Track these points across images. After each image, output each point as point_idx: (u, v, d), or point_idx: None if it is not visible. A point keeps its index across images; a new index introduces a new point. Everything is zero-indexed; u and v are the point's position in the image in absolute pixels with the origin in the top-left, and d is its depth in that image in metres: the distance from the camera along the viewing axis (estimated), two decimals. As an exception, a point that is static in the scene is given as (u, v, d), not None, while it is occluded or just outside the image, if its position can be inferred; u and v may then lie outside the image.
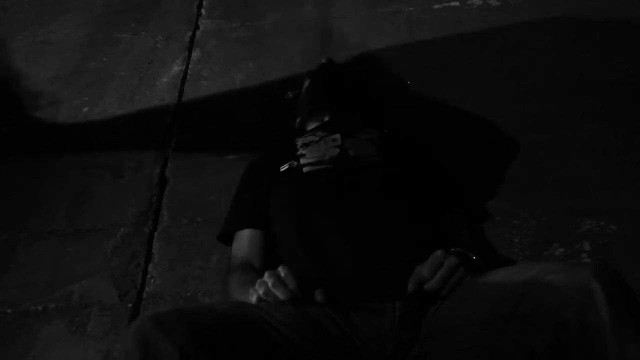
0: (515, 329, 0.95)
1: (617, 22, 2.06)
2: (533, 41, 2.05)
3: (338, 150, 1.39)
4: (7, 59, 2.36)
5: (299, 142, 1.46)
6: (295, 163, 1.38)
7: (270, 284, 1.08)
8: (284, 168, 1.40)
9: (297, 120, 1.67)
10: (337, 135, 1.44)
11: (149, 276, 1.53)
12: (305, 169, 1.36)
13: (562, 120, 1.77)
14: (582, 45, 2.00)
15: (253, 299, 1.10)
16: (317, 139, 1.45)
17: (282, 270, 1.09)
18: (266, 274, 1.10)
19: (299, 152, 1.41)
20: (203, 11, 2.45)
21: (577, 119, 1.77)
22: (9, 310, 1.48)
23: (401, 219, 1.28)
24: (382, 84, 1.94)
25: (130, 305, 1.46)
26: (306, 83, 1.72)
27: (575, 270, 0.94)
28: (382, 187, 1.32)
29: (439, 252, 1.12)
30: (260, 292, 1.09)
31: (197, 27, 2.37)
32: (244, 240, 1.38)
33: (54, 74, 2.23)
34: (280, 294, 1.07)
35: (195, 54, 2.23)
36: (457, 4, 2.24)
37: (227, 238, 1.45)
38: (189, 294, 1.47)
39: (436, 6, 2.24)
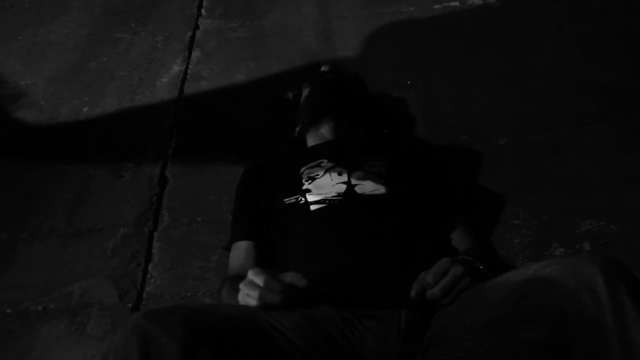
0: (515, 328, 0.95)
1: (618, 22, 2.06)
2: (533, 41, 2.05)
3: (345, 187, 1.37)
4: (7, 58, 2.36)
5: (304, 174, 1.42)
6: (302, 200, 1.36)
7: (259, 298, 1.06)
8: (289, 201, 1.37)
9: (297, 129, 1.66)
10: (344, 170, 1.41)
11: (149, 276, 1.53)
12: (312, 207, 1.33)
13: (562, 120, 1.77)
14: (583, 45, 2.00)
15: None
16: (322, 172, 1.42)
17: (260, 278, 1.07)
18: (242, 287, 1.08)
19: (304, 187, 1.39)
20: (203, 11, 2.45)
21: (577, 119, 1.77)
22: (9, 310, 1.48)
23: (408, 240, 1.27)
24: (382, 84, 1.94)
25: (130, 305, 1.46)
26: (305, 92, 1.70)
27: (571, 260, 0.94)
28: (389, 220, 1.30)
29: (444, 260, 1.12)
30: (253, 302, 1.07)
31: (197, 27, 2.37)
32: (240, 251, 1.37)
33: (54, 74, 2.23)
34: (273, 300, 1.06)
35: (195, 54, 2.23)
36: (457, 4, 2.24)
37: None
38: (189, 294, 1.47)
39: (436, 6, 2.24)
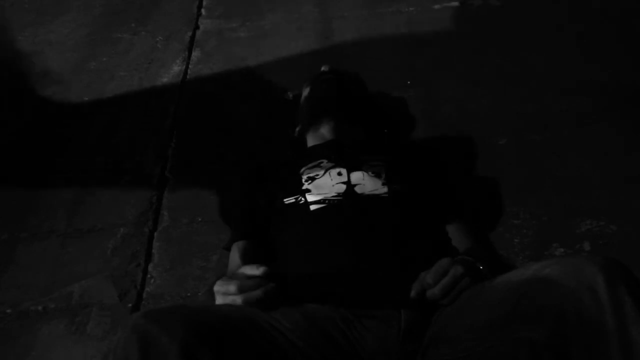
0: (515, 328, 0.95)
1: (618, 22, 2.06)
2: (533, 41, 2.05)
3: (345, 187, 1.37)
4: (7, 59, 2.36)
5: (304, 174, 1.42)
6: (302, 200, 1.36)
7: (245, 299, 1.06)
8: (288, 201, 1.37)
9: (297, 129, 1.66)
10: (344, 170, 1.41)
11: (149, 276, 1.53)
12: (312, 207, 1.33)
13: (562, 120, 1.77)
14: (583, 45, 2.00)
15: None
16: (322, 172, 1.42)
17: (232, 286, 1.07)
18: (222, 301, 1.08)
19: (304, 187, 1.39)
20: (203, 11, 2.45)
21: (577, 119, 1.77)
22: (9, 310, 1.48)
23: (408, 240, 1.27)
24: (382, 84, 1.94)
25: (130, 305, 1.46)
26: (305, 92, 1.69)
27: (571, 260, 0.94)
28: (389, 220, 1.30)
29: (445, 260, 1.12)
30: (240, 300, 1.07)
31: (197, 27, 2.37)
32: (240, 251, 1.37)
33: (54, 74, 2.23)
34: (258, 297, 1.06)
35: (195, 54, 2.23)
36: (457, 4, 2.24)
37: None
38: (189, 294, 1.47)
39: (436, 6, 2.24)
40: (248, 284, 1.07)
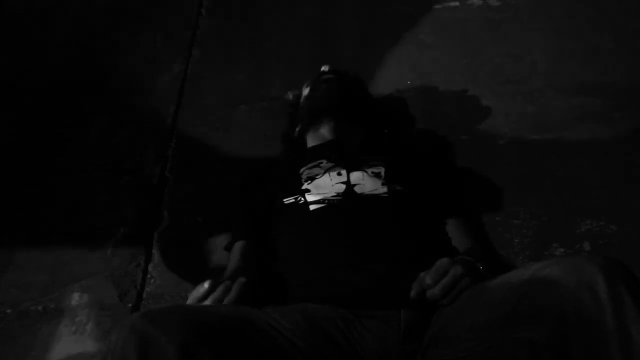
0: (515, 328, 0.95)
1: (618, 22, 2.06)
2: (533, 41, 2.05)
3: (344, 187, 1.37)
4: (11, 61, 2.36)
5: (304, 174, 1.43)
6: (302, 199, 1.36)
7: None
8: (288, 201, 1.38)
9: (297, 129, 1.66)
10: (343, 170, 1.41)
11: (149, 276, 1.53)
12: (311, 207, 1.34)
13: (562, 120, 1.77)
14: (583, 45, 2.00)
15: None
16: (321, 172, 1.42)
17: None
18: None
19: (303, 187, 1.39)
20: (203, 11, 2.45)
21: (577, 119, 1.77)
22: (9, 310, 1.48)
23: (408, 240, 1.27)
24: (382, 84, 1.94)
25: (130, 305, 1.46)
26: (305, 92, 1.70)
27: (571, 260, 0.94)
28: (389, 220, 1.31)
29: (444, 260, 1.12)
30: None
31: (197, 27, 2.36)
32: (240, 251, 1.38)
33: (56, 74, 2.23)
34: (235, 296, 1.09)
35: (195, 54, 2.23)
36: (457, 4, 2.24)
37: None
38: (189, 294, 1.47)
39: (436, 6, 2.23)
40: (220, 291, 1.09)
